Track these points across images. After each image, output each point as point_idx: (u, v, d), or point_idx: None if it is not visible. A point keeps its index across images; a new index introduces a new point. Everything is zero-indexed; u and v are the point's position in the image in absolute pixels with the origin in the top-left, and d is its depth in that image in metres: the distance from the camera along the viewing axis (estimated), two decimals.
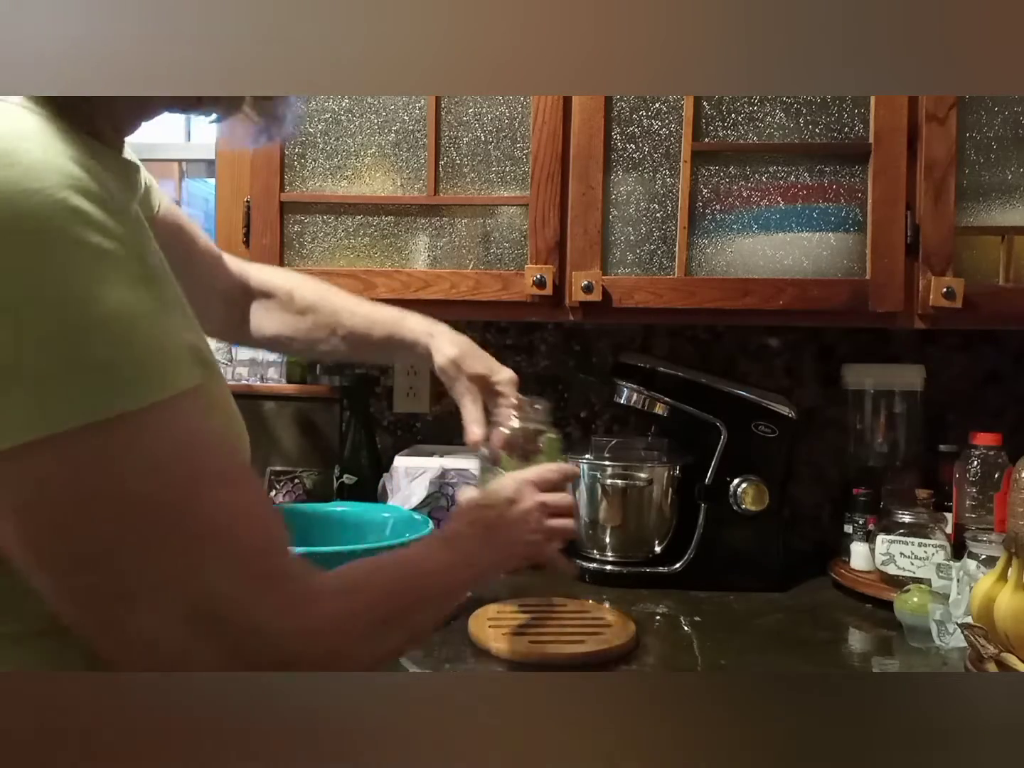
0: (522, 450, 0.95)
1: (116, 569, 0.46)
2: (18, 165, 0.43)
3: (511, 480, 0.85)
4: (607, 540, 1.34)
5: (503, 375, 0.99)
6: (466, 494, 0.90)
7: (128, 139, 0.61)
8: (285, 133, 0.64)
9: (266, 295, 1.01)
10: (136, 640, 0.47)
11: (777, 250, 1.26)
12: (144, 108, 0.59)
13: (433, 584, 0.68)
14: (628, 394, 1.36)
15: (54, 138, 0.45)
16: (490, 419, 0.98)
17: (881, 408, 1.41)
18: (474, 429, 0.95)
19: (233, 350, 1.62)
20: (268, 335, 1.02)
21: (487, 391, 0.98)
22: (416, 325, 1.01)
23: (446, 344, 0.99)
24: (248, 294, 1.02)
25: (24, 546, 0.46)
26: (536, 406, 0.98)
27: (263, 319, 1.01)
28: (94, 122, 0.53)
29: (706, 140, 1.26)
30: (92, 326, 0.43)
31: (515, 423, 0.96)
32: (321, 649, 0.53)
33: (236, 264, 1.01)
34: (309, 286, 1.03)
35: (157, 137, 1.77)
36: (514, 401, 0.97)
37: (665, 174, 1.27)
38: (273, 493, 1.53)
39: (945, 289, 1.20)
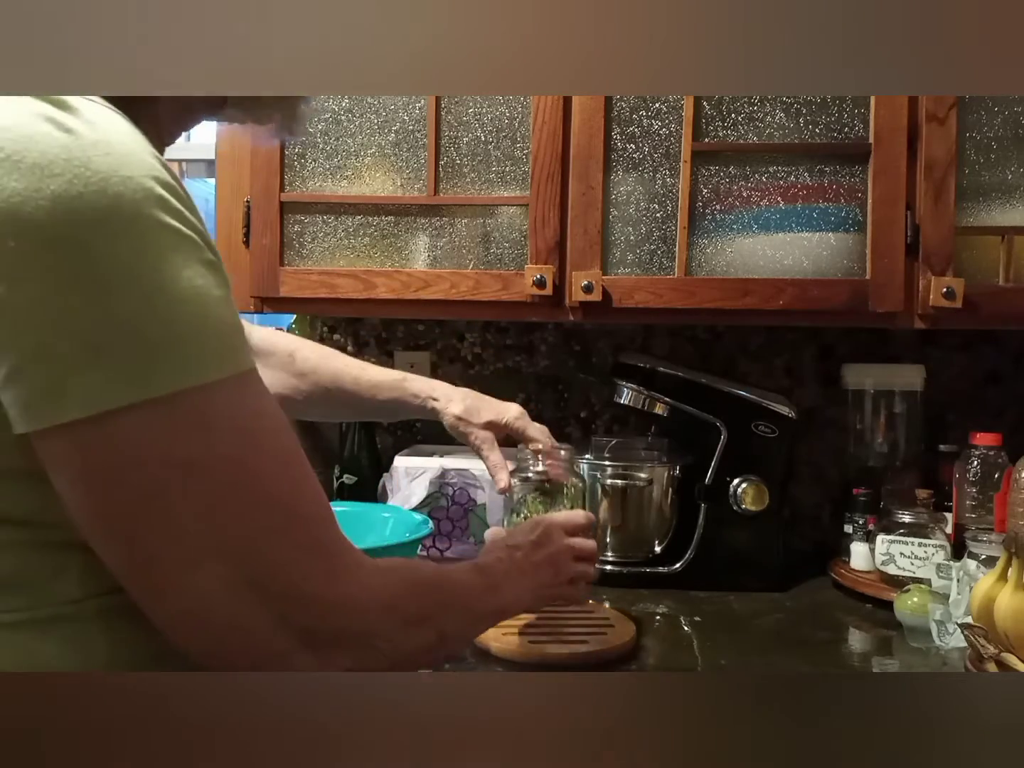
0: (547, 494, 0.99)
1: (181, 534, 0.49)
2: (114, 154, 0.46)
3: (539, 523, 0.86)
4: (607, 540, 1.34)
5: (511, 412, 1.03)
6: (493, 533, 0.93)
7: None
8: (300, 132, 0.67)
9: (263, 355, 1.02)
10: (190, 605, 0.50)
11: (777, 250, 1.26)
12: (185, 118, 0.63)
13: (460, 596, 0.69)
14: (628, 394, 1.36)
15: (136, 134, 0.49)
16: (517, 464, 1.03)
17: (881, 408, 1.41)
18: (502, 476, 1.01)
19: None
20: None
21: (502, 432, 1.03)
22: (419, 388, 1.04)
23: (450, 403, 1.03)
24: None
25: (94, 510, 0.48)
26: (561, 452, 1.03)
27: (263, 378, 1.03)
28: (144, 129, 0.54)
29: (706, 140, 1.26)
30: (178, 301, 0.47)
31: (540, 467, 1.01)
32: (361, 624, 0.56)
33: None
34: (310, 349, 1.05)
35: None
36: (540, 447, 1.02)
37: (665, 174, 1.27)
38: None
39: (945, 289, 1.20)
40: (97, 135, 0.47)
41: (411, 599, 0.61)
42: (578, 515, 0.92)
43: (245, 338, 0.52)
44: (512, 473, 1.02)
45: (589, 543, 0.89)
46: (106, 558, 0.50)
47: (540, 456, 1.01)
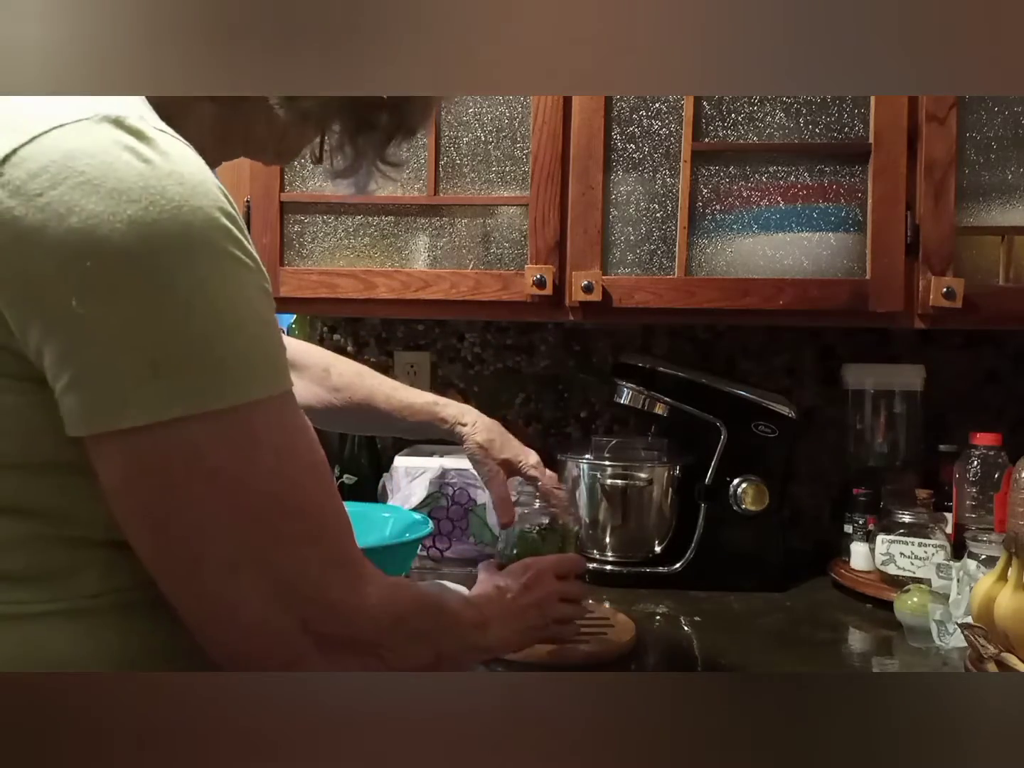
0: (542, 533, 1.02)
1: (220, 539, 0.52)
2: (186, 184, 0.50)
3: (530, 566, 0.88)
4: (607, 540, 1.34)
5: (529, 460, 1.06)
6: (485, 570, 0.95)
7: None
8: (369, 190, 0.72)
9: (298, 367, 1.05)
10: (222, 607, 0.53)
11: (777, 250, 1.26)
12: (222, 151, 0.66)
13: (456, 624, 0.71)
14: (628, 394, 1.36)
15: (204, 166, 0.52)
16: (516, 499, 1.05)
17: (881, 408, 1.41)
18: (505, 513, 1.03)
19: None
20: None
21: (515, 473, 1.06)
22: (449, 414, 1.07)
23: (477, 432, 1.06)
24: None
25: (140, 512, 0.51)
26: (560, 493, 1.05)
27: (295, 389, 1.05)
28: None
29: (706, 140, 1.26)
30: (235, 323, 0.51)
31: (538, 506, 1.04)
32: (372, 633, 0.59)
33: None
34: (344, 365, 1.08)
35: None
36: (539, 486, 1.04)
37: (665, 174, 1.27)
38: None
39: (945, 289, 1.20)
40: (172, 166, 0.50)
41: (417, 616, 0.64)
42: (569, 559, 0.95)
43: (287, 360, 0.56)
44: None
45: (576, 586, 0.92)
46: (145, 557, 0.53)
47: (539, 496, 1.04)
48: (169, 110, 0.56)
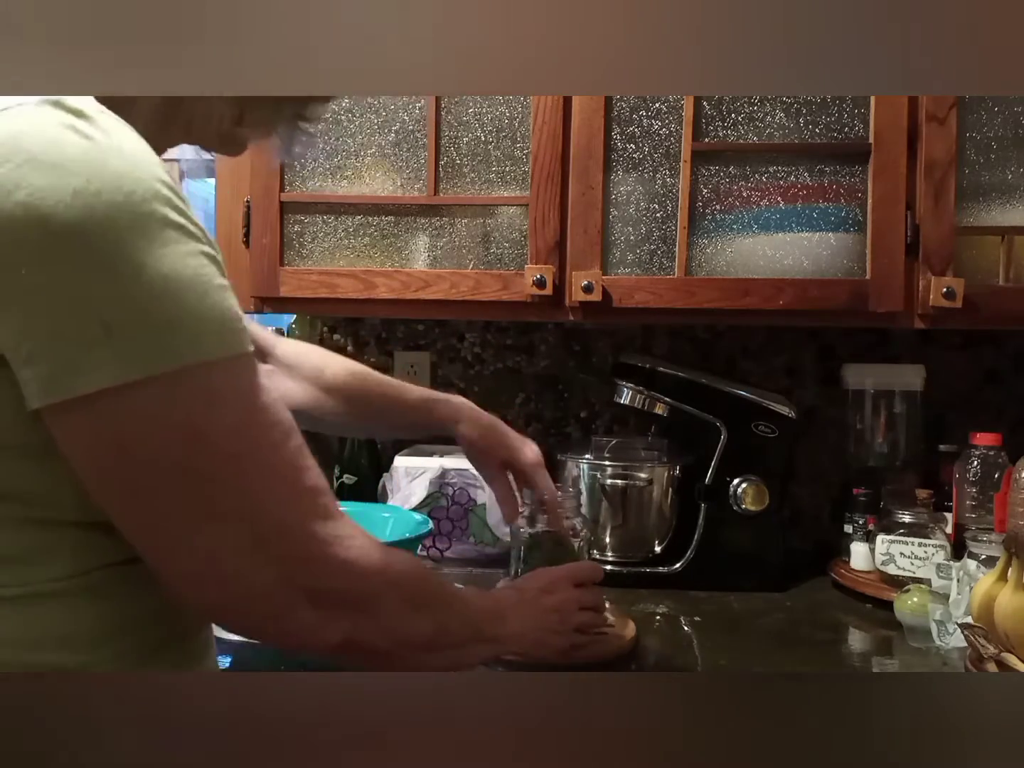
0: (553, 545, 1.01)
1: (187, 498, 0.53)
2: (128, 157, 0.51)
3: (545, 573, 0.88)
4: (607, 540, 1.34)
5: (527, 456, 1.03)
6: (502, 581, 0.96)
7: None
8: (298, 155, 0.70)
9: (291, 366, 1.04)
10: (198, 564, 0.54)
11: (777, 250, 1.26)
12: (164, 139, 0.66)
13: (464, 606, 0.72)
14: (628, 394, 1.36)
15: (143, 142, 0.54)
16: (523, 510, 1.03)
17: (881, 408, 1.41)
18: (506, 510, 1.02)
19: None
20: (291, 406, 1.03)
21: (515, 470, 1.03)
22: (446, 414, 1.05)
23: (470, 430, 1.04)
24: (263, 360, 1.02)
25: (107, 477, 0.53)
26: (566, 502, 1.04)
27: (289, 389, 1.03)
28: None
29: (706, 140, 1.26)
30: (182, 285, 0.52)
31: (546, 517, 1.02)
32: (364, 589, 0.60)
33: (255, 329, 1.02)
34: (340, 365, 1.06)
35: None
36: (546, 497, 1.02)
37: (665, 174, 1.27)
38: None
39: (945, 289, 1.20)
40: (112, 141, 0.51)
41: (415, 583, 0.65)
42: (584, 566, 0.94)
43: (244, 326, 0.56)
44: (520, 518, 1.03)
45: (594, 594, 0.91)
46: (118, 522, 0.54)
47: (545, 508, 1.02)
48: (111, 100, 0.57)
